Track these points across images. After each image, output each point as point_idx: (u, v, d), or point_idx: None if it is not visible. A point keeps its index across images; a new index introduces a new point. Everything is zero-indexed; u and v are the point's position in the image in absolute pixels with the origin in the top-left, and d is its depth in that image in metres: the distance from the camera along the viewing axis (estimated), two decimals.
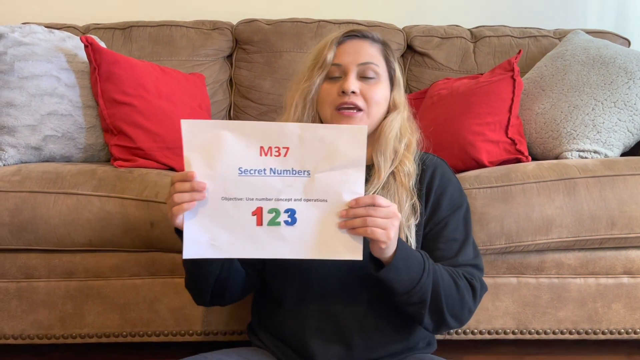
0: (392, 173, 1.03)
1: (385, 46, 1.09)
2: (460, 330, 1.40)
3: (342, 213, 0.87)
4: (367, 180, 1.02)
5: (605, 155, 1.58)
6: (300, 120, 1.05)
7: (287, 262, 0.98)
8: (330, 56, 1.03)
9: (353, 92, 1.00)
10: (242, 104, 1.98)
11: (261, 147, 0.85)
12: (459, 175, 1.40)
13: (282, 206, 0.86)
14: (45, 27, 1.73)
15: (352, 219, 0.85)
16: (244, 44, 2.02)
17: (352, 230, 0.86)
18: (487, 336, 1.41)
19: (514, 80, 1.64)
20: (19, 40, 1.53)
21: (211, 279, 0.99)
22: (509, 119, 1.61)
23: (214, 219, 0.86)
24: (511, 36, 2.05)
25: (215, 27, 2.02)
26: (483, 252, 1.35)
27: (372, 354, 1.01)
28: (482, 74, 1.79)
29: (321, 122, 1.05)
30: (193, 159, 0.85)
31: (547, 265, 1.39)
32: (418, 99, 1.84)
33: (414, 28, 2.08)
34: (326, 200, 0.87)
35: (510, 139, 1.60)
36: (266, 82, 1.96)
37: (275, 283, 1.05)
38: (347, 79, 1.01)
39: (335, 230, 0.87)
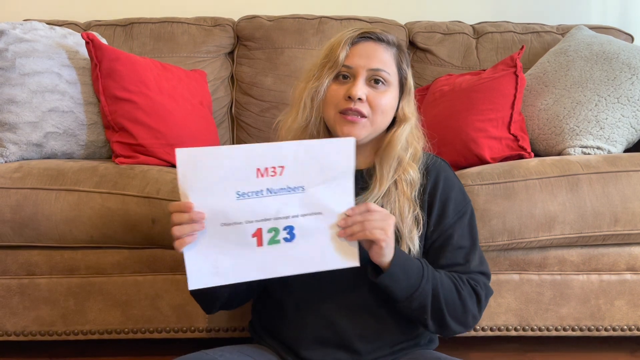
0: (394, 181, 1.01)
1: (399, 51, 1.05)
2: None
3: (341, 223, 0.89)
4: (366, 188, 1.01)
5: (609, 152, 1.57)
6: (307, 120, 1.03)
7: (295, 285, 1.00)
8: (342, 56, 1.00)
9: (359, 99, 0.98)
10: (244, 100, 1.98)
11: (258, 169, 0.84)
12: (461, 172, 1.40)
13: (281, 224, 0.86)
14: (47, 23, 1.73)
15: (351, 226, 0.88)
16: (246, 40, 2.01)
17: (351, 236, 0.88)
18: (489, 333, 1.41)
19: (517, 76, 1.64)
20: (20, 37, 1.53)
21: (221, 298, 1.00)
22: (512, 115, 1.61)
23: (215, 247, 0.85)
24: (514, 32, 2.04)
25: (217, 23, 2.02)
26: (485, 249, 1.35)
27: (374, 354, 1.01)
28: (484, 70, 1.78)
29: (325, 123, 1.04)
30: (190, 189, 0.83)
31: (550, 262, 1.39)
32: (420, 95, 1.83)
33: (416, 24, 2.07)
34: (321, 213, 0.88)
35: (513, 135, 1.59)
36: (268, 78, 1.95)
37: (277, 290, 1.04)
38: (354, 84, 0.98)
39: (332, 240, 0.89)
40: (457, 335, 1.39)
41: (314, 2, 2.15)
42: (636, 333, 1.42)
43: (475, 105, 1.61)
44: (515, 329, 1.41)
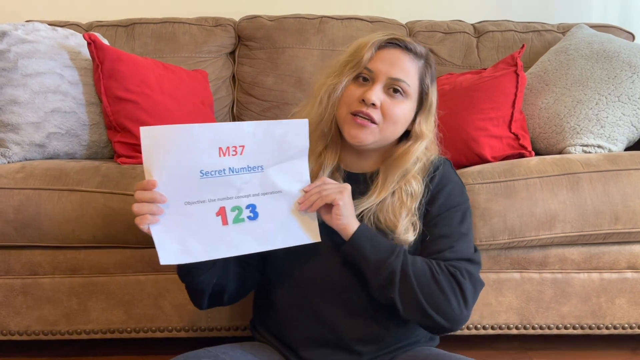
0: (394, 190, 1.01)
1: (426, 65, 1.03)
2: (463, 325, 1.40)
3: (300, 199, 0.94)
4: (365, 193, 1.01)
5: (609, 150, 1.57)
6: (321, 116, 1.03)
7: (285, 272, 1.01)
8: (366, 58, 0.99)
9: (373, 104, 0.97)
10: (245, 100, 1.98)
11: (220, 148, 0.86)
12: (461, 171, 1.40)
13: (243, 202, 0.90)
14: (49, 24, 1.73)
15: (309, 197, 0.93)
16: (247, 40, 2.02)
17: (311, 207, 0.93)
18: (490, 331, 1.42)
19: (518, 75, 1.64)
20: (23, 38, 1.54)
21: (206, 287, 0.98)
22: (512, 114, 1.61)
23: (181, 225, 0.87)
24: (515, 31, 2.05)
25: (218, 23, 2.02)
26: (486, 248, 1.35)
27: (373, 354, 1.01)
28: (485, 69, 1.78)
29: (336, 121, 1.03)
30: (153, 167, 0.84)
31: (551, 261, 1.39)
32: None
33: (416, 23, 2.07)
34: (281, 192, 0.92)
35: (514, 134, 1.59)
36: (269, 78, 1.96)
37: (275, 290, 1.04)
38: (371, 89, 0.97)
39: (293, 217, 0.93)
40: (458, 334, 1.41)
41: (315, 2, 2.16)
42: (637, 331, 1.42)
43: (476, 104, 1.62)
44: (517, 328, 1.41)
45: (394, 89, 0.98)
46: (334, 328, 0.99)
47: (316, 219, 0.95)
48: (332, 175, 1.04)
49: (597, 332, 1.42)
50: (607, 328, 1.42)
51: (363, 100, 0.97)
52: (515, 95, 1.63)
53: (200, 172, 0.86)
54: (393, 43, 1.01)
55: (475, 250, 1.02)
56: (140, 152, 1.54)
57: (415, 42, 1.03)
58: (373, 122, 0.98)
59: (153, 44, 1.96)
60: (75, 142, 1.58)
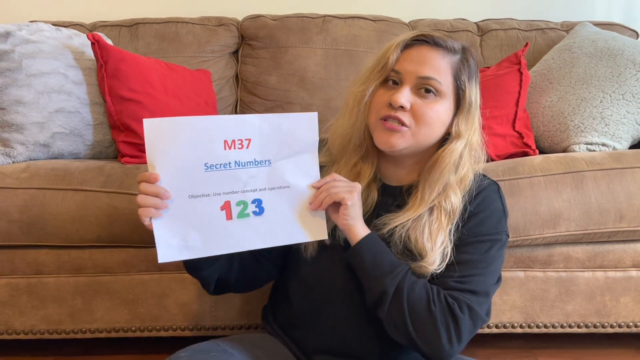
0: (431, 207, 0.94)
1: (463, 60, 0.94)
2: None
3: (311, 199, 0.91)
4: (402, 206, 0.96)
5: (614, 148, 1.57)
6: (353, 125, 0.99)
7: (305, 275, 0.99)
8: (392, 60, 0.93)
9: (401, 107, 0.91)
10: (248, 99, 1.98)
11: (225, 141, 0.85)
12: None
13: (249, 197, 0.88)
14: (52, 25, 1.73)
15: (319, 195, 0.90)
16: (250, 39, 2.02)
17: (320, 205, 0.90)
18: (494, 330, 1.41)
19: (521, 73, 1.64)
20: (27, 38, 1.54)
21: (209, 281, 0.98)
22: (516, 112, 1.61)
23: (184, 219, 0.85)
24: (518, 29, 2.04)
25: (221, 23, 2.02)
26: None
27: None
28: (488, 68, 1.78)
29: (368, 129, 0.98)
30: (157, 160, 0.83)
31: (555, 259, 1.39)
32: None
33: (420, 22, 2.07)
34: (289, 187, 0.90)
35: (518, 132, 1.59)
36: (272, 77, 1.96)
37: (291, 291, 1.03)
38: (399, 91, 0.91)
39: (301, 213, 0.91)
40: None
41: (318, 1, 2.16)
42: None
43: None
44: (521, 326, 1.41)
45: (425, 88, 0.92)
46: (345, 338, 0.98)
47: (324, 216, 0.92)
48: (368, 187, 0.99)
49: (601, 330, 1.42)
50: (611, 326, 1.41)
51: (391, 104, 0.92)
52: (519, 93, 1.63)
53: (205, 165, 0.85)
54: (420, 40, 0.94)
55: (498, 280, 0.95)
56: (144, 152, 1.55)
57: (448, 37, 0.96)
58: (404, 125, 0.92)
59: (156, 43, 1.96)
60: (79, 142, 1.58)
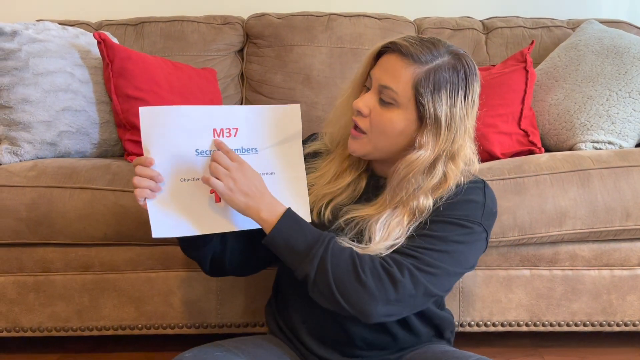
0: (396, 206, 0.93)
1: (429, 72, 0.90)
2: (473, 322, 1.40)
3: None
4: (370, 201, 0.98)
5: (620, 146, 1.56)
6: (341, 131, 1.03)
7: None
8: (370, 65, 0.96)
9: (359, 112, 0.94)
10: (254, 98, 1.98)
11: (214, 129, 0.91)
12: None
13: None
14: (59, 24, 1.74)
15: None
16: (255, 38, 2.02)
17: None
18: (500, 328, 1.41)
19: (527, 71, 1.63)
20: (33, 37, 1.55)
21: (203, 260, 1.02)
22: (522, 110, 1.60)
23: (175, 200, 0.91)
24: (524, 27, 2.03)
25: (226, 21, 2.03)
26: (496, 244, 1.35)
27: (380, 356, 1.02)
28: (494, 66, 1.78)
29: None
30: (151, 145, 0.89)
31: (561, 257, 1.39)
32: None
33: (425, 20, 2.07)
34: (274, 173, 0.96)
35: (523, 130, 1.59)
36: (277, 76, 1.96)
37: (287, 283, 1.06)
38: (361, 97, 0.95)
39: (285, 197, 0.94)
40: (468, 330, 1.41)
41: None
42: None
43: (485, 100, 1.58)
44: (527, 325, 1.41)
45: (383, 97, 0.92)
46: (342, 327, 0.99)
47: (307, 200, 0.98)
48: (359, 176, 1.03)
49: (607, 329, 1.42)
50: (617, 325, 1.41)
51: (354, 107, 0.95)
52: (525, 91, 1.62)
53: (196, 150, 0.91)
54: (390, 48, 0.93)
55: (470, 267, 0.95)
56: None
57: (425, 45, 0.92)
58: (362, 132, 0.94)
59: (162, 42, 1.97)
60: (85, 141, 1.59)
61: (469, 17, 2.09)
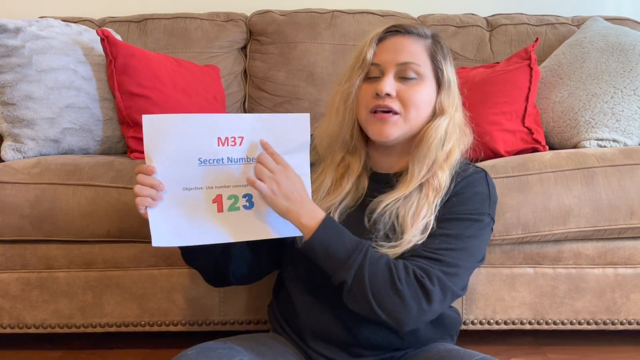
0: (420, 184, 0.97)
1: (434, 43, 1.00)
2: (476, 320, 1.40)
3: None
4: (394, 186, 0.99)
5: (625, 144, 1.55)
6: (340, 124, 1.02)
7: (301, 265, 1.00)
8: (369, 55, 0.97)
9: (388, 95, 0.95)
10: (257, 95, 1.98)
11: (219, 138, 0.89)
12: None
13: (240, 192, 0.92)
14: (62, 20, 1.74)
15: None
16: (258, 35, 2.02)
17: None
18: (503, 326, 1.41)
19: (531, 68, 1.62)
20: (37, 34, 1.55)
21: (205, 270, 1.02)
22: (526, 108, 1.60)
23: (177, 209, 0.90)
24: (528, 24, 2.03)
25: (230, 18, 2.02)
26: (499, 243, 1.35)
27: (384, 355, 1.01)
28: (498, 63, 1.77)
29: (359, 125, 1.01)
30: (154, 154, 0.88)
31: (565, 256, 1.38)
32: None
33: (429, 17, 2.06)
34: None
35: (527, 128, 1.58)
36: (280, 73, 1.95)
37: (291, 282, 1.06)
38: (382, 80, 0.95)
39: None
40: (471, 329, 1.40)
41: None
42: None
43: (489, 98, 1.61)
44: (530, 323, 1.41)
45: (407, 73, 0.96)
46: (349, 328, 0.99)
47: None
48: (359, 176, 1.03)
49: (611, 327, 1.41)
50: (621, 324, 1.41)
51: (377, 94, 0.96)
52: (529, 89, 1.62)
53: (199, 159, 0.89)
54: (392, 31, 0.99)
55: (479, 261, 0.97)
56: None
57: (417, 24, 1.01)
58: (395, 113, 0.95)
59: (165, 39, 1.97)
60: (89, 138, 1.59)
61: (473, 14, 2.09)
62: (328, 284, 0.95)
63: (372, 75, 0.98)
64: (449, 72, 1.00)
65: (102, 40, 1.58)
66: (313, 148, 1.07)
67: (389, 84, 0.95)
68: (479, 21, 2.04)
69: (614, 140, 1.55)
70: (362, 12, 2.01)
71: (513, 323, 1.41)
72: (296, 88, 1.93)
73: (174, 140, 0.87)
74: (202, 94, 1.72)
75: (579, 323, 1.41)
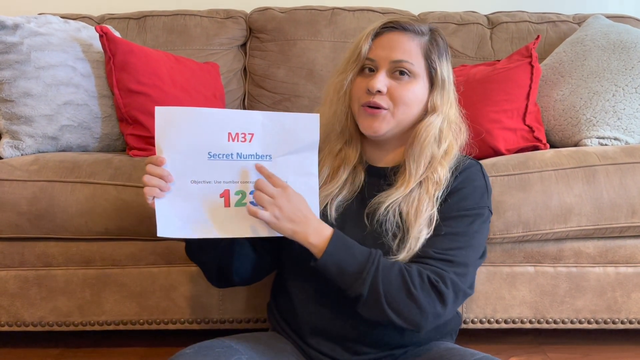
0: (422, 180, 0.99)
1: (431, 40, 1.00)
2: (476, 319, 1.39)
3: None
4: (392, 184, 1.00)
5: (626, 142, 1.55)
6: (335, 114, 1.03)
7: (299, 263, 0.99)
8: (365, 49, 0.99)
9: (378, 91, 0.96)
10: (256, 92, 1.97)
11: (229, 133, 0.90)
12: None
13: (248, 188, 0.92)
14: (61, 17, 1.74)
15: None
16: (258, 32, 2.01)
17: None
18: (503, 325, 1.40)
19: (532, 66, 1.62)
20: (35, 31, 1.54)
21: (209, 267, 1.03)
22: (527, 106, 1.59)
23: (184, 202, 0.90)
24: (529, 22, 2.02)
25: (229, 15, 2.02)
26: (500, 241, 1.34)
27: (383, 353, 1.01)
28: (499, 61, 1.76)
29: (353, 117, 1.03)
30: (164, 145, 0.89)
31: (566, 254, 1.38)
32: None
33: (429, 14, 2.05)
34: (287, 182, 0.93)
35: (528, 126, 1.57)
36: (280, 70, 1.95)
37: (289, 280, 1.05)
38: (374, 77, 0.97)
39: None
40: (471, 327, 1.40)
41: None
42: None
43: (489, 96, 1.60)
44: (530, 322, 1.40)
45: (399, 71, 0.97)
46: (351, 325, 0.99)
47: (318, 211, 0.96)
48: (354, 169, 1.04)
49: (612, 326, 1.41)
50: (622, 323, 1.40)
51: (369, 89, 0.97)
52: (530, 87, 1.61)
53: (209, 153, 0.90)
54: (388, 27, 0.99)
55: (482, 256, 0.99)
56: (152, 145, 1.55)
57: (415, 21, 1.01)
58: (383, 108, 0.97)
59: (164, 36, 1.96)
60: (87, 135, 1.58)
61: (473, 12, 2.08)
62: (327, 282, 0.95)
63: (366, 69, 1.00)
64: (444, 70, 1.00)
65: (100, 37, 1.57)
66: None
67: (380, 81, 0.96)
68: (479, 19, 2.04)
69: (616, 139, 1.54)
70: (362, 10, 2.00)
71: (513, 322, 1.40)
72: (296, 85, 1.93)
73: (185, 133, 0.88)
74: (202, 92, 1.72)
75: (580, 322, 1.40)
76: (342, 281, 0.91)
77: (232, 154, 0.90)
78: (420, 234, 0.95)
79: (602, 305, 1.39)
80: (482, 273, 1.38)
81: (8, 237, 1.36)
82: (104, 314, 1.40)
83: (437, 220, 0.96)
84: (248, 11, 2.05)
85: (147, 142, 1.53)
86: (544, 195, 1.31)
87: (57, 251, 1.37)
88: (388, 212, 0.97)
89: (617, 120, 1.55)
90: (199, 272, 1.38)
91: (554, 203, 1.31)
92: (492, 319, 1.40)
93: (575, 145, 1.58)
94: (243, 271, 1.05)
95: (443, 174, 0.98)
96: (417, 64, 0.98)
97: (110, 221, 1.33)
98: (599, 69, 1.64)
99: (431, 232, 0.95)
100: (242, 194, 0.92)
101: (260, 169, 0.91)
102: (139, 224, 1.33)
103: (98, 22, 1.97)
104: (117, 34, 1.75)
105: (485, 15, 2.07)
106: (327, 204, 1.01)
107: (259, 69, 1.98)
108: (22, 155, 1.48)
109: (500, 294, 1.39)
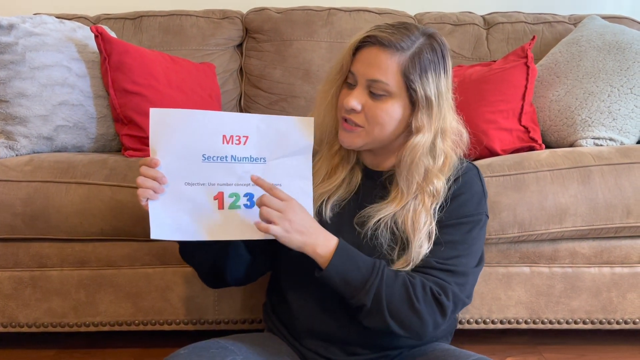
0: (416, 194, 0.97)
1: (413, 57, 0.93)
2: (472, 320, 1.40)
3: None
4: (385, 196, 0.99)
5: (621, 143, 1.55)
6: (322, 123, 1.03)
7: (295, 266, 1.00)
8: (347, 62, 0.97)
9: (352, 109, 0.94)
10: (253, 93, 1.97)
11: (224, 136, 0.90)
12: None
13: (242, 191, 0.92)
14: (56, 17, 1.73)
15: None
16: (254, 32, 2.01)
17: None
18: (499, 326, 1.41)
19: (528, 67, 1.62)
20: (30, 31, 1.54)
21: (202, 268, 1.03)
22: (523, 106, 1.59)
23: (178, 204, 0.90)
24: (525, 22, 2.02)
25: (225, 16, 2.01)
26: (495, 242, 1.34)
27: (378, 354, 1.01)
28: (495, 61, 1.76)
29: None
30: (158, 147, 0.89)
31: (561, 255, 1.38)
32: None
33: (425, 15, 2.05)
34: (280, 185, 0.93)
35: (524, 126, 1.58)
36: (276, 71, 1.95)
37: (285, 282, 1.05)
38: (351, 94, 0.95)
39: None
40: (467, 328, 1.40)
41: None
42: None
43: (485, 96, 1.60)
44: (526, 322, 1.40)
45: (373, 91, 0.94)
46: (342, 325, 0.99)
47: (312, 214, 0.96)
48: (352, 169, 1.04)
49: (607, 327, 1.41)
50: (617, 323, 1.40)
51: (344, 106, 0.96)
52: (526, 87, 1.61)
53: (203, 156, 0.90)
54: (368, 42, 0.94)
55: (480, 262, 0.99)
56: (148, 145, 1.55)
57: (405, 29, 0.95)
58: (358, 125, 0.96)
59: (160, 36, 1.96)
60: (82, 135, 1.58)
61: (469, 12, 2.08)
62: (325, 287, 0.95)
63: (350, 81, 0.97)
64: (429, 88, 0.93)
65: (96, 37, 1.57)
66: None
67: (354, 100, 0.94)
68: (475, 19, 2.04)
69: (611, 139, 1.55)
70: (358, 10, 2.00)
71: (509, 322, 1.41)
72: (292, 86, 1.93)
73: (180, 135, 0.88)
74: (198, 92, 1.71)
75: (575, 322, 1.40)
76: (345, 291, 0.92)
77: (226, 157, 0.91)
78: (421, 248, 0.94)
79: (598, 306, 1.39)
80: None
81: (2, 238, 1.35)
82: (99, 315, 1.39)
83: (435, 234, 0.95)
84: (244, 11, 2.05)
85: (142, 143, 1.53)
86: (539, 195, 1.31)
87: (51, 252, 1.37)
88: (379, 226, 0.96)
89: (613, 121, 1.56)
90: (194, 273, 1.37)
91: (550, 203, 1.31)
92: (488, 320, 1.40)
93: (571, 145, 1.58)
94: (237, 272, 1.05)
95: (440, 185, 0.96)
96: (393, 84, 0.93)
97: (105, 222, 1.33)
98: (595, 69, 1.64)
99: (431, 246, 0.95)
100: (236, 196, 0.92)
101: (257, 181, 0.90)
102: (134, 225, 1.33)
103: (94, 22, 1.96)
104: (112, 34, 1.75)
105: (481, 16, 2.07)
106: (322, 202, 1.01)
107: (255, 70, 1.98)
108: (16, 155, 1.47)
109: (495, 294, 1.39)
